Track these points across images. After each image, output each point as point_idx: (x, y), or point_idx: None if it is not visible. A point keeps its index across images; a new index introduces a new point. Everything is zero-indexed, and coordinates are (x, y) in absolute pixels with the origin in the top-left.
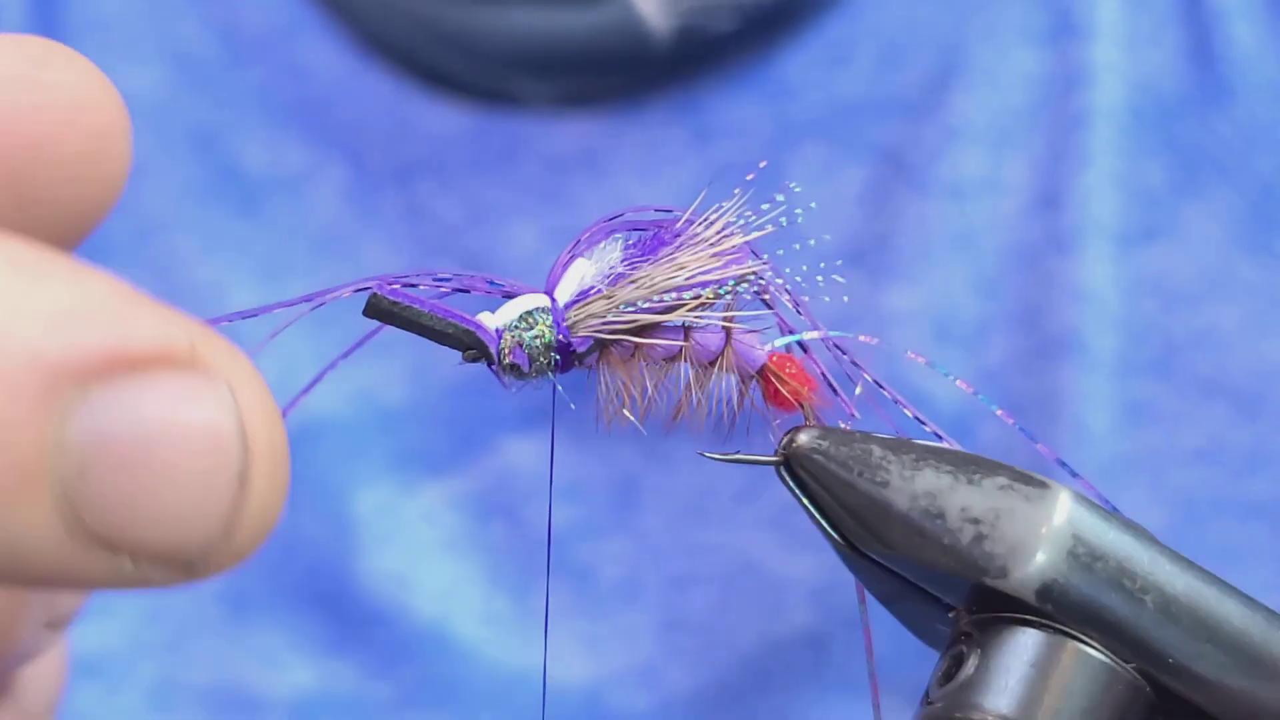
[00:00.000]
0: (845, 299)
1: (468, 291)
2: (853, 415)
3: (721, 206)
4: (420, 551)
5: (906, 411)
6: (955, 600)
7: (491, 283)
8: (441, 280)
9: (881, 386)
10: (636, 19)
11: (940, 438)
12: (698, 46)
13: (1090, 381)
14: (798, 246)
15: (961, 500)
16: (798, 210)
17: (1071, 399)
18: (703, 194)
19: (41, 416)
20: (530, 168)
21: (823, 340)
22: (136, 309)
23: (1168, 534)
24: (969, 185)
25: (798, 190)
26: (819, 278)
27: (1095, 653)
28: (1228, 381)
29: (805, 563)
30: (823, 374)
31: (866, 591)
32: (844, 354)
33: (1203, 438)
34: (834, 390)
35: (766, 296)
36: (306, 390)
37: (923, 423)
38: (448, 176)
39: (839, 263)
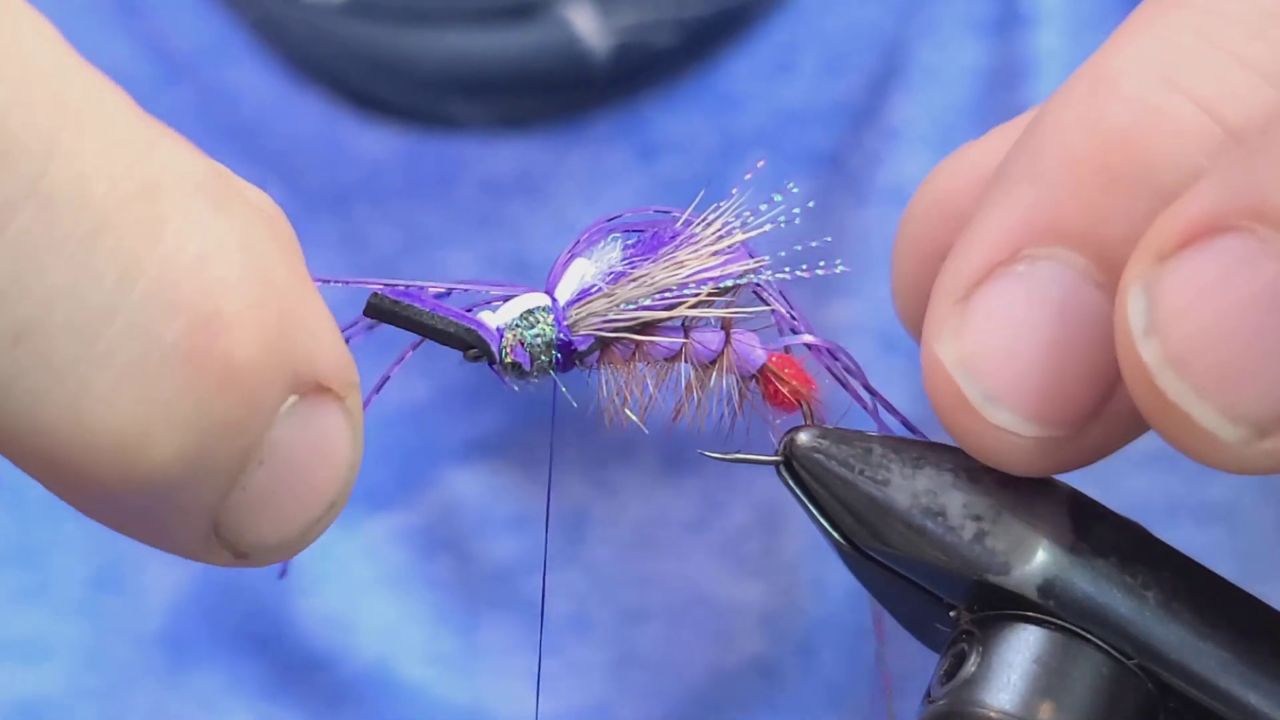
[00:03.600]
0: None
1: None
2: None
3: (720, 206)
4: (361, 590)
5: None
6: (956, 599)
7: (491, 285)
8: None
9: (873, 392)
10: (574, 38)
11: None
12: (638, 63)
13: None
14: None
15: (963, 497)
16: (795, 210)
17: None
18: (701, 194)
19: (270, 411)
20: (468, 191)
21: (817, 342)
22: (340, 339)
23: None
24: (911, 189)
25: (795, 191)
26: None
27: (1097, 649)
28: None
29: (754, 588)
30: (830, 371)
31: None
32: (840, 355)
33: (1155, 443)
34: (841, 384)
35: (765, 295)
36: None
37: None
38: (383, 201)
39: (786, 274)
